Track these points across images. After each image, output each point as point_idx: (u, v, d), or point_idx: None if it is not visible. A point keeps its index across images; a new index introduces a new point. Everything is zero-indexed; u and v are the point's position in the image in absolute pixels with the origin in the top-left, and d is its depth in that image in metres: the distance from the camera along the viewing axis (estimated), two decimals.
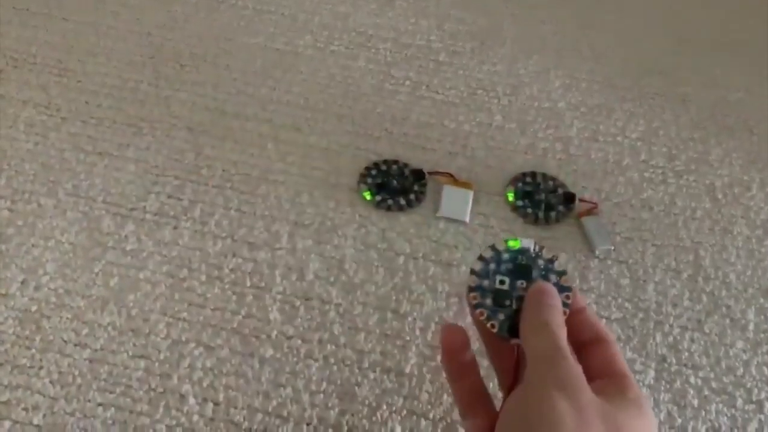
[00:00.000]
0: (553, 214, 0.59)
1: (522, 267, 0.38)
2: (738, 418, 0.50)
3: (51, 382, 0.47)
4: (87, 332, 0.49)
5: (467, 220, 0.58)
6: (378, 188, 0.59)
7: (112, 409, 0.46)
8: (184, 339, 0.49)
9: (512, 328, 0.36)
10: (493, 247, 0.39)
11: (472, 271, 0.38)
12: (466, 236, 0.58)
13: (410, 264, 0.56)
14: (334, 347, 0.50)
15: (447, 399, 0.49)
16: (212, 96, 0.66)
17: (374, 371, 0.49)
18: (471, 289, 0.38)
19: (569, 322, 0.36)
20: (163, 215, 0.56)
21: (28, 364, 0.47)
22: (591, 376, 0.34)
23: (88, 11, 0.72)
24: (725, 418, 0.50)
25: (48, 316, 0.50)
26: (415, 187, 0.60)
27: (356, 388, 0.49)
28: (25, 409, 0.45)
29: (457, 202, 0.59)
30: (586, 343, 0.38)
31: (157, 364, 0.48)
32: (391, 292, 0.54)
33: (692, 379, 0.52)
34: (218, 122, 0.64)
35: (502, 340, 0.37)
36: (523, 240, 0.38)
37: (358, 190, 0.59)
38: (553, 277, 0.38)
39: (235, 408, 0.47)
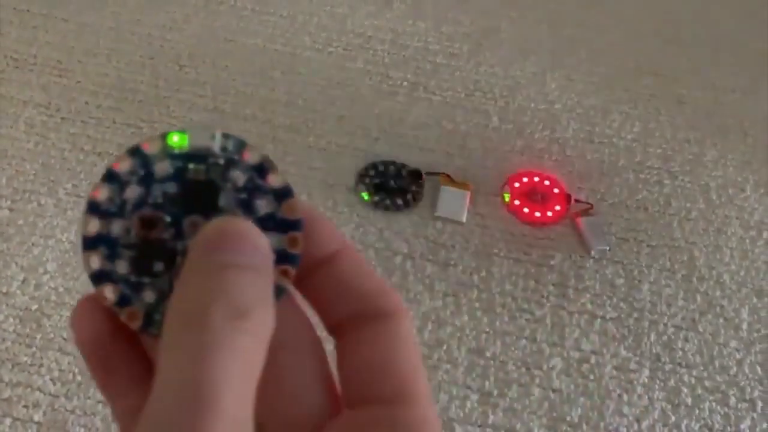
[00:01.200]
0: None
1: (197, 187, 0.20)
2: (731, 416, 0.51)
3: (51, 379, 0.47)
4: None
5: (464, 220, 0.59)
6: (376, 188, 0.60)
7: None
8: None
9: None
10: (135, 150, 0.20)
11: (90, 206, 0.20)
12: (463, 236, 0.58)
13: (407, 263, 0.56)
14: (330, 347, 0.51)
15: (443, 396, 0.49)
16: (211, 96, 0.66)
17: None
18: (87, 244, 0.20)
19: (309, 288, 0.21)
20: None
21: (28, 362, 0.48)
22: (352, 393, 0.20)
23: (89, 12, 0.73)
24: (719, 416, 0.51)
25: (48, 314, 0.50)
26: (413, 188, 0.60)
27: None
28: (26, 407, 0.46)
29: (454, 202, 0.59)
30: (343, 323, 0.21)
31: None
32: None
33: (686, 378, 0.52)
34: (217, 123, 0.64)
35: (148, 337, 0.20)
36: (195, 130, 0.20)
37: (356, 191, 0.60)
38: (263, 204, 0.20)
39: None
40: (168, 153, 0.20)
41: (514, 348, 0.53)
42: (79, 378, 0.47)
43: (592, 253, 0.58)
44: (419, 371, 0.20)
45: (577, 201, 0.61)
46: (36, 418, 0.45)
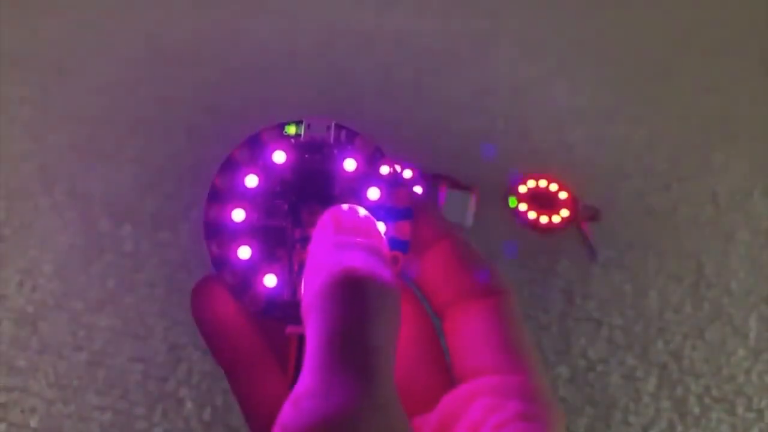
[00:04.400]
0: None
1: (313, 176, 0.21)
2: (738, 426, 0.50)
3: (48, 384, 0.46)
4: (84, 334, 0.49)
5: (468, 224, 0.58)
6: None
7: (110, 412, 0.45)
8: (181, 342, 0.49)
9: (289, 306, 0.20)
10: (254, 139, 0.20)
11: (211, 193, 0.21)
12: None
13: None
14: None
15: None
16: (211, 96, 0.65)
17: None
18: (208, 229, 0.20)
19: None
20: (162, 216, 0.56)
21: (24, 366, 0.47)
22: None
23: (88, 11, 0.72)
24: (726, 426, 0.50)
25: (45, 317, 0.49)
26: (416, 190, 0.59)
27: None
28: (22, 412, 0.45)
29: (458, 206, 0.58)
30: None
31: (154, 367, 0.48)
32: None
33: (693, 387, 0.52)
34: (218, 123, 0.63)
35: (271, 326, 0.21)
36: (311, 120, 0.21)
37: None
38: (374, 193, 0.21)
39: (233, 412, 0.46)
40: (285, 143, 0.21)
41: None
42: (75, 383, 0.46)
43: (599, 259, 0.57)
44: (524, 344, 0.20)
45: (584, 206, 0.60)
46: (32, 423, 0.44)
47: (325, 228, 0.19)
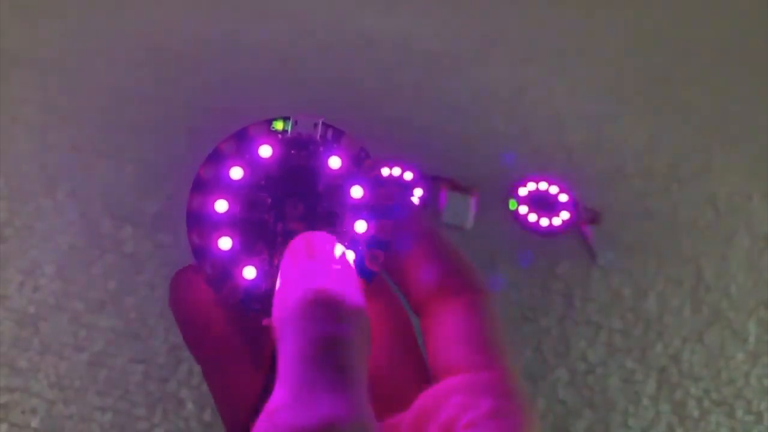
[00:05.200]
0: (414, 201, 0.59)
1: (298, 171, 0.21)
2: (738, 430, 0.50)
3: (49, 384, 0.46)
4: (85, 335, 0.49)
5: (469, 227, 0.58)
6: None
7: (110, 413, 0.45)
8: (182, 343, 0.49)
9: (267, 299, 0.20)
10: (241, 133, 0.21)
11: (196, 183, 0.21)
12: (468, 244, 0.57)
13: None
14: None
15: None
16: (213, 97, 0.65)
17: None
18: (190, 219, 0.20)
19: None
20: (162, 218, 0.56)
21: (26, 367, 0.47)
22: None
23: (89, 11, 0.72)
24: (725, 429, 0.50)
25: (46, 318, 0.49)
26: (416, 192, 0.59)
27: None
28: (23, 412, 0.45)
29: (458, 208, 0.59)
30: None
31: (155, 368, 0.48)
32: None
33: (692, 390, 0.52)
34: (219, 124, 0.63)
35: (248, 318, 0.21)
36: (298, 117, 0.21)
37: None
38: (358, 191, 0.21)
39: None
40: (272, 138, 0.21)
41: (519, 358, 0.52)
42: (77, 383, 0.46)
43: (599, 262, 0.57)
44: (499, 342, 0.21)
45: (584, 209, 0.60)
46: (33, 424, 0.45)
47: (296, 251, 0.20)
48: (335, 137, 0.22)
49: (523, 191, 0.61)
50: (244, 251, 0.20)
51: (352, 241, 0.21)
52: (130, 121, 0.62)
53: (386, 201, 0.21)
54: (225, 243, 0.20)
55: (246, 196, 0.21)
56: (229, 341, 0.21)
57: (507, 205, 0.60)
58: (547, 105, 0.70)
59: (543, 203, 0.60)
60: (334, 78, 0.69)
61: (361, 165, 0.21)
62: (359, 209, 0.21)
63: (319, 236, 0.20)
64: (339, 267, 0.19)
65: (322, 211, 0.21)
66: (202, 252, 0.20)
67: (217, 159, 0.21)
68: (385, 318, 0.22)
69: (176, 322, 0.22)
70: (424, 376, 0.22)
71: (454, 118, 0.67)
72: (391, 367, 0.22)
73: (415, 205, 0.23)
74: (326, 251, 0.20)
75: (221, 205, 0.20)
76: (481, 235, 0.58)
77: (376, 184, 0.21)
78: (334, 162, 0.21)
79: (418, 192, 0.59)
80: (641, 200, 0.63)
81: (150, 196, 0.57)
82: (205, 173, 0.21)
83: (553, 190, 0.61)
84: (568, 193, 0.61)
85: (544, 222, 0.59)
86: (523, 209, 0.59)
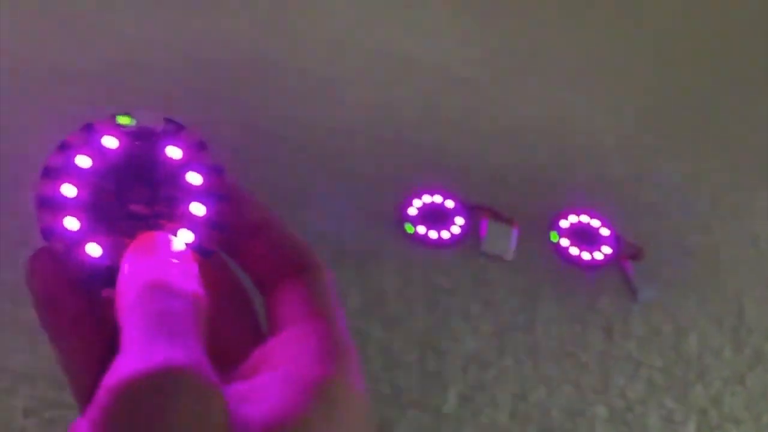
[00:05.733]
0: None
1: (140, 161, 0.23)
2: None
3: None
4: None
5: (510, 257, 0.58)
6: (419, 220, 0.59)
7: None
8: None
9: (111, 273, 0.22)
10: (88, 126, 0.23)
11: (45, 171, 0.22)
12: (509, 275, 0.57)
13: (451, 300, 0.55)
14: (372, 382, 0.50)
15: None
16: (255, 118, 0.66)
17: (412, 409, 0.49)
18: (40, 203, 0.22)
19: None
20: None
21: None
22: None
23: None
24: None
25: None
26: (457, 221, 0.59)
27: (393, 424, 0.48)
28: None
29: (499, 238, 0.58)
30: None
31: None
32: (432, 328, 0.53)
33: None
34: (261, 144, 0.64)
35: (95, 292, 0.23)
36: (140, 112, 0.23)
37: (399, 222, 0.59)
38: (197, 179, 0.23)
39: None
40: (116, 130, 0.23)
41: (558, 393, 0.51)
42: None
43: (640, 298, 0.57)
44: (331, 310, 0.23)
45: (626, 243, 0.60)
46: None
47: (139, 247, 0.22)
48: (176, 131, 0.23)
49: (564, 224, 0.60)
50: (90, 231, 0.22)
51: (191, 223, 0.23)
52: None
53: (222, 188, 0.23)
54: (72, 223, 0.22)
55: (92, 182, 0.22)
56: (78, 314, 0.23)
57: (548, 236, 0.60)
58: (589, 135, 0.70)
59: (585, 236, 0.60)
60: (375, 102, 0.69)
61: (200, 156, 0.23)
62: (197, 194, 0.23)
63: (159, 236, 0.22)
64: (176, 260, 0.22)
65: (163, 196, 0.23)
66: (51, 232, 0.22)
67: (65, 149, 0.23)
68: (222, 287, 0.25)
69: (32, 300, 0.23)
70: (262, 338, 0.24)
71: (494, 147, 0.67)
72: (229, 329, 0.25)
73: (251, 193, 0.25)
74: (164, 247, 0.22)
75: (68, 189, 0.22)
76: (522, 266, 0.58)
77: (213, 172, 0.23)
78: (173, 152, 0.23)
79: (459, 221, 0.59)
80: (682, 237, 0.63)
81: None
82: (53, 162, 0.22)
83: (595, 223, 0.61)
84: (609, 227, 0.60)
85: (586, 256, 0.58)
86: (564, 242, 0.59)
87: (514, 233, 0.59)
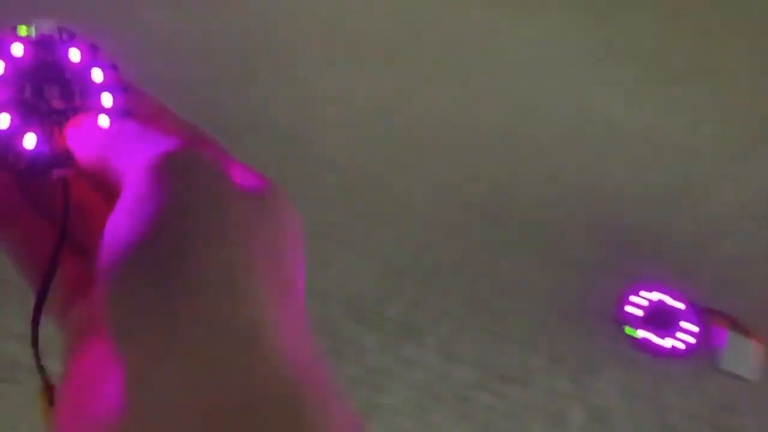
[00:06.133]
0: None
1: (47, 65, 0.26)
2: None
3: None
4: None
5: (754, 378, 0.49)
6: (642, 322, 0.52)
7: None
8: None
9: (50, 158, 0.25)
10: None
11: None
12: (752, 398, 0.49)
13: (684, 423, 0.48)
14: None
15: None
16: (444, 174, 0.61)
17: None
18: None
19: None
20: None
21: None
22: None
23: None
24: None
25: None
26: (687, 326, 0.51)
27: None
28: None
29: (741, 354, 0.50)
30: None
31: None
32: None
33: None
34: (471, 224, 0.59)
35: (37, 178, 0.25)
36: (38, 22, 0.26)
37: (618, 321, 0.52)
38: (98, 74, 0.26)
39: None
40: (21, 40, 0.25)
41: None
42: None
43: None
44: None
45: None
46: None
47: (79, 122, 0.25)
48: (70, 37, 0.26)
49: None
50: (21, 126, 0.24)
51: (104, 112, 0.25)
52: None
53: (123, 81, 0.26)
54: (3, 120, 0.24)
55: (12, 84, 0.24)
56: (20, 205, 0.25)
57: None
58: None
59: None
60: (577, 172, 0.63)
61: (97, 55, 0.26)
62: (104, 87, 0.26)
63: (90, 116, 0.25)
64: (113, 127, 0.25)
65: (75, 92, 0.26)
66: None
67: None
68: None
69: None
70: None
71: (723, 234, 0.59)
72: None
73: (141, 87, 0.27)
74: (92, 124, 0.25)
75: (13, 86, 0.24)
76: None
77: (112, 68, 0.26)
78: (74, 54, 0.26)
79: (691, 327, 0.51)
80: None
81: None
82: None
83: None
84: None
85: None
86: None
87: (759, 348, 0.50)
